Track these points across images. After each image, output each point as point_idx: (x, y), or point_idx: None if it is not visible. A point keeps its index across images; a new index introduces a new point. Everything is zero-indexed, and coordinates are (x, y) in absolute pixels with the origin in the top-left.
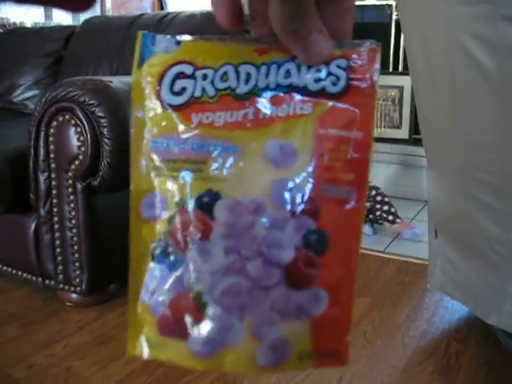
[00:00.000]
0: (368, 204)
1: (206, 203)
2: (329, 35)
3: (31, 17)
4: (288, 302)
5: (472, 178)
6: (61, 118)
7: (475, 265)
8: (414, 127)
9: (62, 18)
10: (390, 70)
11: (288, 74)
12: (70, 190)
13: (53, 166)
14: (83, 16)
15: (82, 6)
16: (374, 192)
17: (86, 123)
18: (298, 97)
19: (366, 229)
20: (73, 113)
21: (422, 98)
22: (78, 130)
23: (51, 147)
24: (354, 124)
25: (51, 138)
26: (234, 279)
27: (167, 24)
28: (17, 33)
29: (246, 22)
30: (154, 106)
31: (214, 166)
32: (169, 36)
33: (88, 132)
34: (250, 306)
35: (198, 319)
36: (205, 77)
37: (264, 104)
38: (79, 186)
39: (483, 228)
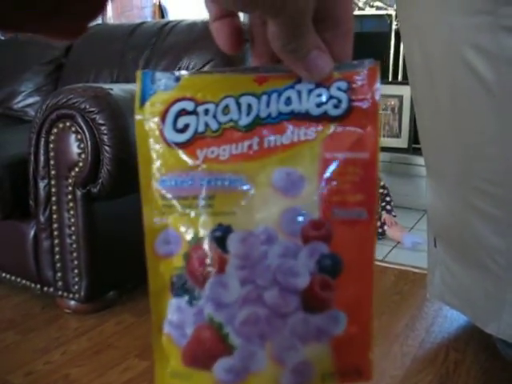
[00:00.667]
0: None
1: (219, 237)
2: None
3: None
4: (307, 326)
5: (472, 187)
6: (61, 125)
7: (474, 274)
8: (414, 136)
9: None
10: (390, 79)
11: (289, 101)
12: (70, 196)
13: (53, 172)
14: None
15: (71, 35)
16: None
17: (86, 130)
18: (300, 123)
19: None
20: (73, 120)
21: (422, 107)
22: (79, 137)
23: (51, 154)
24: (358, 145)
25: (51, 145)
26: (251, 309)
27: (168, 32)
28: (18, 39)
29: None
30: (159, 145)
31: (223, 199)
32: (168, 73)
33: (88, 139)
34: (269, 333)
35: (220, 349)
36: (207, 112)
37: (267, 133)
38: (79, 192)
39: (483, 237)
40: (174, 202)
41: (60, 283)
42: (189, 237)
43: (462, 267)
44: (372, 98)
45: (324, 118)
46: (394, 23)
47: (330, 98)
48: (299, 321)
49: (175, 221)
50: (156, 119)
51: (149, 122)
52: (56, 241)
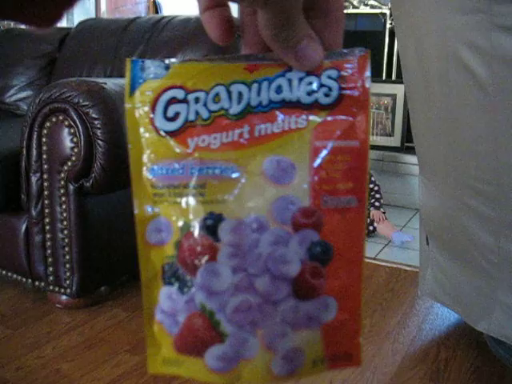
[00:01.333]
0: None
1: (210, 226)
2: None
3: None
4: (298, 312)
5: (465, 185)
6: (54, 119)
7: (466, 272)
8: (407, 135)
9: None
10: (383, 78)
11: (280, 89)
12: (62, 191)
13: (45, 166)
14: (78, 18)
15: (45, 23)
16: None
17: (79, 124)
18: (291, 111)
19: None
20: (66, 114)
21: (416, 106)
22: (72, 131)
23: (44, 148)
24: (349, 133)
25: (44, 139)
26: (243, 296)
27: (162, 28)
28: (11, 33)
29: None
30: (149, 134)
31: (214, 188)
32: (157, 61)
33: (81, 133)
34: (261, 320)
35: (212, 337)
36: (197, 100)
37: (258, 121)
38: (71, 187)
39: (475, 236)
40: (165, 190)
41: (51, 278)
42: (180, 225)
43: (454, 265)
44: (362, 87)
45: (315, 107)
46: (389, 22)
47: (321, 86)
48: (290, 308)
49: (166, 209)
50: (146, 108)
51: (139, 110)
52: (48, 235)
